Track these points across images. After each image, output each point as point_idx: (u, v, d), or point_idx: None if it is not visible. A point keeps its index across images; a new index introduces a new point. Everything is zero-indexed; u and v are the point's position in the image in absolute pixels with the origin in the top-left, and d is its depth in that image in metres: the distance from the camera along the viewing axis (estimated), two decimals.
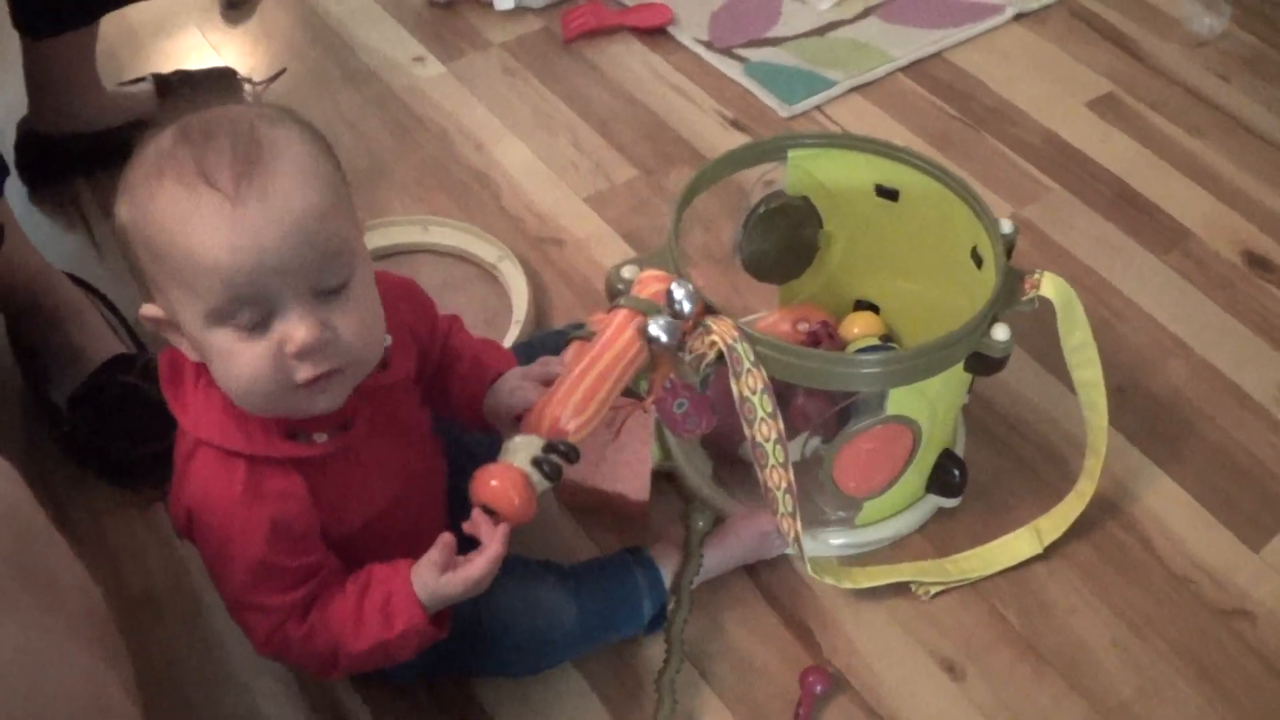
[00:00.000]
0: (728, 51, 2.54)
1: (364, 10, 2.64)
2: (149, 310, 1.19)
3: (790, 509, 1.51)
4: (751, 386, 1.43)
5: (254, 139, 1.11)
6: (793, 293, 1.91)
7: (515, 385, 1.40)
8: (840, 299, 1.88)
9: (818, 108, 2.43)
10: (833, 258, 1.85)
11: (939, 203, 1.66)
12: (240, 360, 1.14)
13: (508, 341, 1.82)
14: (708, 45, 2.56)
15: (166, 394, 1.25)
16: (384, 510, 1.35)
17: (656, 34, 2.59)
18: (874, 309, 1.86)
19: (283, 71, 2.45)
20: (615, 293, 1.49)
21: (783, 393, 1.55)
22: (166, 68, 2.32)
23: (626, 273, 1.50)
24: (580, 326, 1.48)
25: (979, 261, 1.61)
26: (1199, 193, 2.29)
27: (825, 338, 1.77)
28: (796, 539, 1.53)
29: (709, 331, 1.43)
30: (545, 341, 1.75)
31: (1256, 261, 2.16)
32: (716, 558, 1.62)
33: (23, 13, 2.01)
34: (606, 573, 1.56)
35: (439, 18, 2.63)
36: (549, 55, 2.54)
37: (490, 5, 2.62)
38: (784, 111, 2.40)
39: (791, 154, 1.74)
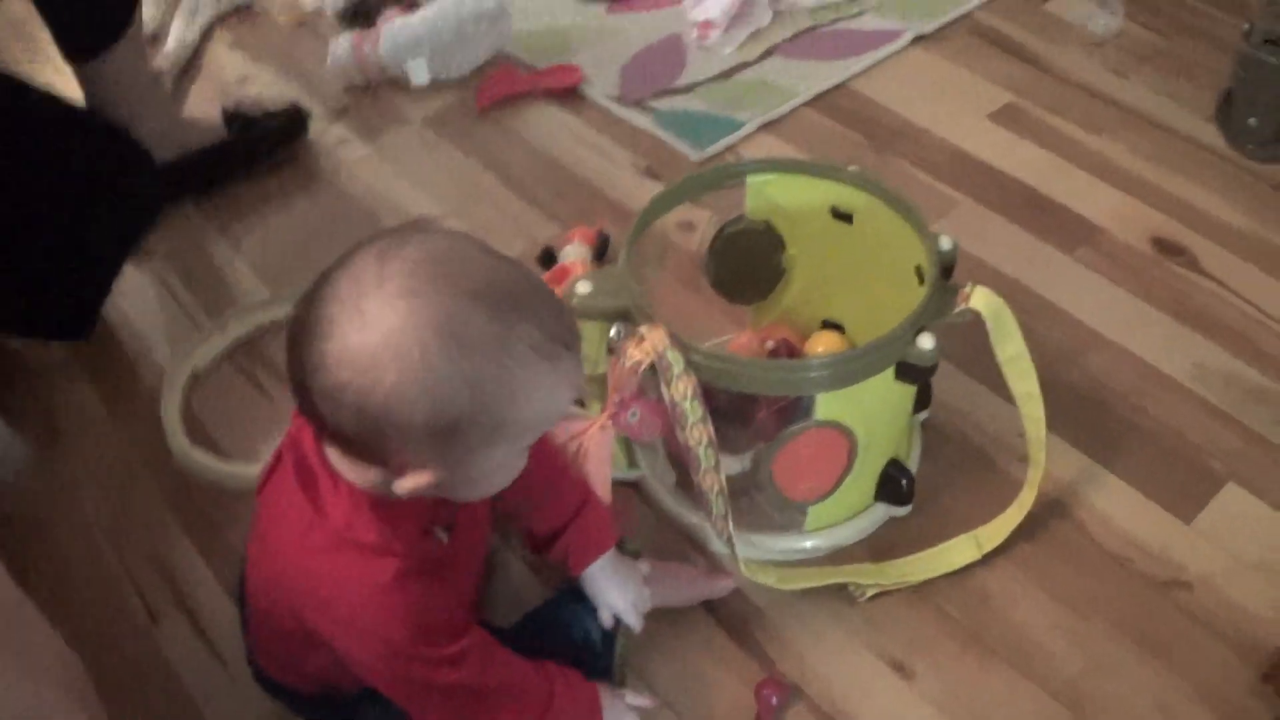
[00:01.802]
0: (638, 104, 2.61)
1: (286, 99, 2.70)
2: (411, 483, 1.22)
3: (723, 511, 1.58)
4: (682, 392, 1.50)
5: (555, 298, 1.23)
6: (763, 314, 1.99)
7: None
8: (808, 319, 1.96)
9: (729, 148, 2.49)
10: (797, 279, 1.93)
11: (887, 223, 1.74)
12: (514, 468, 1.28)
13: None
14: (618, 100, 2.62)
15: (303, 495, 1.29)
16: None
17: (569, 95, 2.66)
18: (840, 329, 1.94)
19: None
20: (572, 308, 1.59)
21: (741, 407, 1.66)
22: None
23: (581, 287, 1.61)
24: None
25: (922, 278, 1.67)
26: (1104, 188, 2.37)
27: (785, 355, 1.85)
28: (729, 541, 1.60)
29: (643, 339, 1.51)
30: None
31: (1166, 247, 2.23)
32: (664, 599, 1.67)
33: (62, 40, 2.09)
34: (554, 618, 1.62)
35: (359, 100, 2.69)
36: (466, 124, 2.60)
37: (407, 83, 2.68)
38: (695, 156, 2.46)
39: (750, 179, 1.83)
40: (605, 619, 1.57)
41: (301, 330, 1.15)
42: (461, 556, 1.41)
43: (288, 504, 1.30)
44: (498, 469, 1.26)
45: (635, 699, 1.54)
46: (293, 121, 2.51)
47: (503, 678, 1.39)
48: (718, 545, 1.71)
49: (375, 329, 1.11)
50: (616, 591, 1.58)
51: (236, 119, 2.44)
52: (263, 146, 2.46)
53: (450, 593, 1.38)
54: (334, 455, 1.26)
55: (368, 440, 1.16)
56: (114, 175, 2.05)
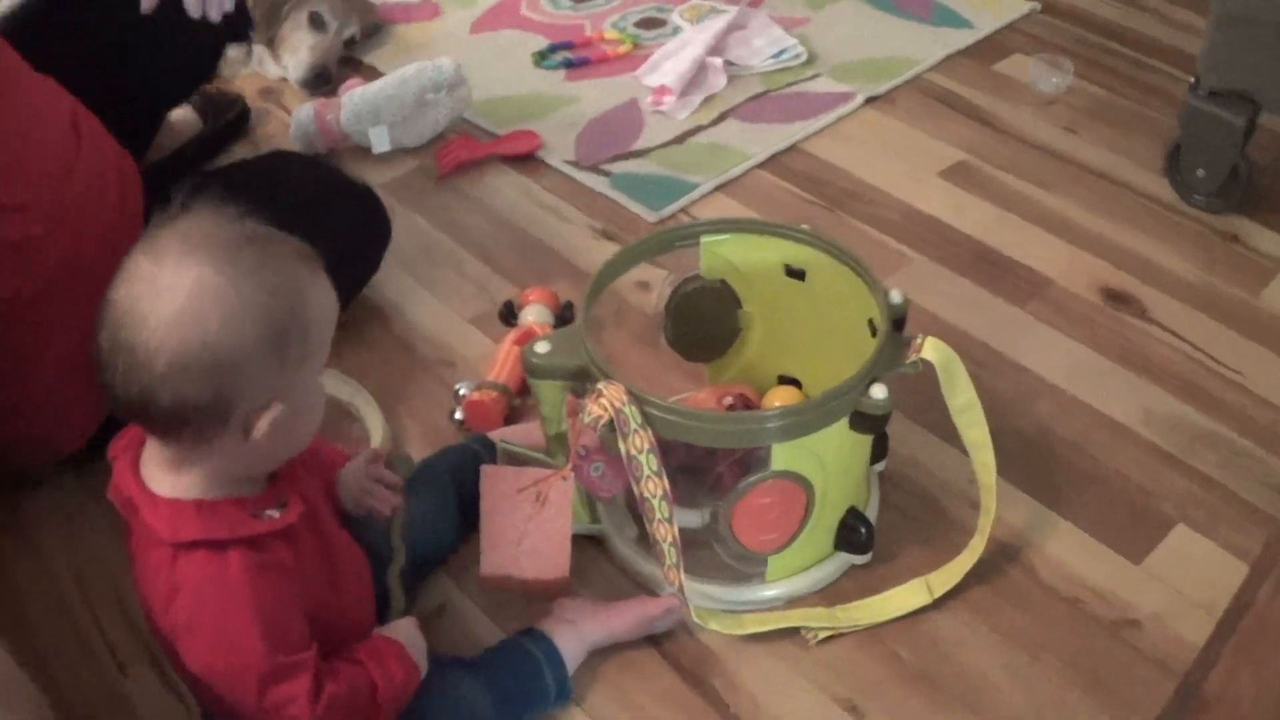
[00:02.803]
0: (594, 168, 2.65)
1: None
2: (265, 423, 1.32)
3: (675, 561, 1.62)
4: (639, 446, 1.55)
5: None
6: (720, 371, 2.03)
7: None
8: (765, 375, 2.00)
9: (683, 209, 2.54)
10: (753, 336, 1.97)
11: (839, 280, 1.79)
12: (322, 398, 1.41)
13: None
14: (575, 164, 2.67)
15: (139, 530, 1.36)
16: (330, 598, 1.47)
17: (527, 160, 2.70)
18: (797, 384, 1.98)
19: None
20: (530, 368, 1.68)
21: (700, 463, 1.69)
22: None
23: (540, 347, 1.67)
24: None
25: (874, 331, 1.72)
26: (1054, 242, 2.42)
27: (743, 410, 1.87)
28: (680, 588, 1.65)
29: (601, 395, 1.55)
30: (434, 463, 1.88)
31: (1114, 296, 2.28)
32: (610, 632, 1.72)
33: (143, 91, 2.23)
34: (508, 657, 1.65)
35: None
36: (427, 190, 2.64)
37: (368, 150, 2.72)
38: (651, 217, 2.50)
39: (704, 239, 1.87)
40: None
41: (111, 351, 1.25)
42: (309, 531, 1.44)
43: (135, 549, 1.39)
44: (316, 393, 1.39)
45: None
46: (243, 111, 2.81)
47: (342, 684, 1.41)
48: (670, 590, 1.73)
49: (177, 292, 1.23)
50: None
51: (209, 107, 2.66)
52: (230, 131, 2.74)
53: (316, 586, 1.43)
54: (153, 473, 1.35)
55: (216, 397, 1.26)
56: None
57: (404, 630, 1.54)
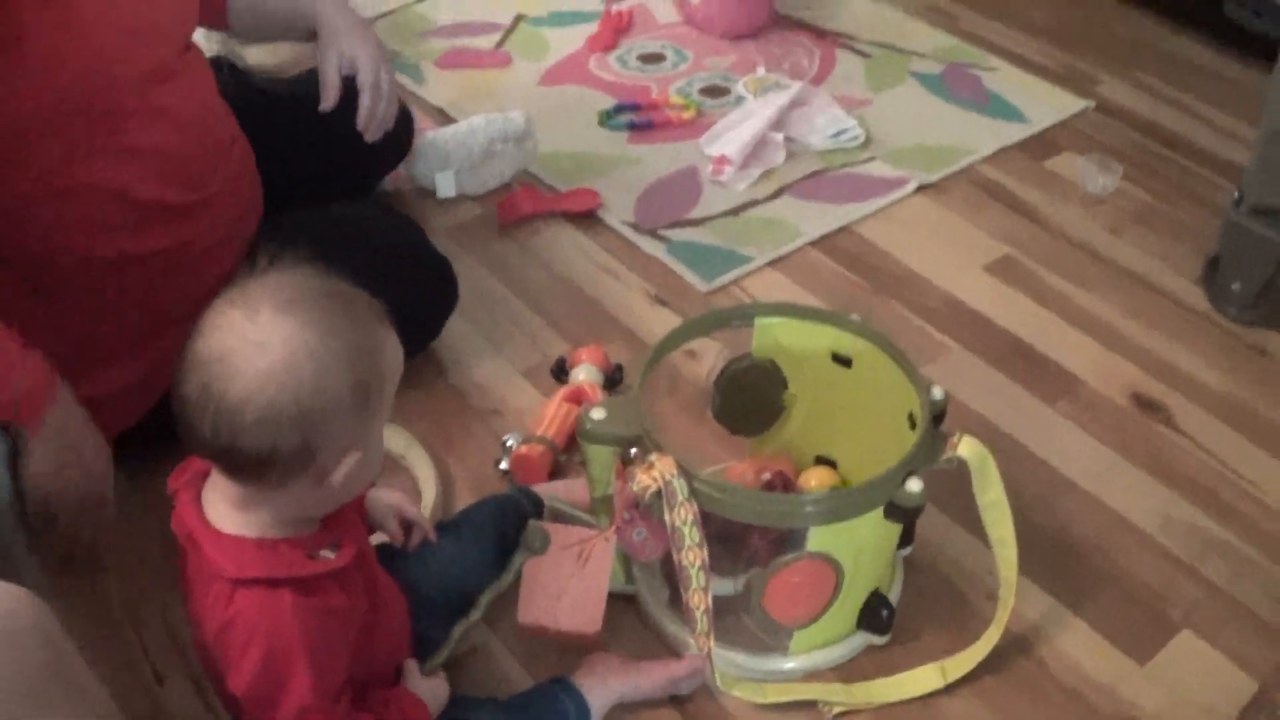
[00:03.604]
0: (652, 233, 2.73)
1: None
2: (344, 469, 1.42)
3: (706, 628, 1.72)
4: (683, 518, 1.65)
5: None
6: (761, 445, 2.11)
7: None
8: (803, 454, 2.08)
9: (735, 282, 2.62)
10: (796, 416, 2.06)
11: (884, 370, 1.88)
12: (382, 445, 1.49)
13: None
14: (634, 227, 2.75)
15: (200, 564, 1.45)
16: (372, 637, 1.57)
17: (586, 218, 2.78)
18: (833, 464, 2.06)
19: None
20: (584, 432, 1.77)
21: (735, 533, 1.78)
22: None
23: (596, 414, 1.76)
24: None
25: (913, 424, 1.80)
26: (1088, 342, 2.49)
27: (780, 486, 1.96)
28: (709, 654, 1.74)
29: (653, 466, 1.64)
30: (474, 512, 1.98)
31: (1144, 403, 2.35)
32: (637, 689, 1.81)
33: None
34: (538, 703, 1.74)
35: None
36: (488, 239, 2.72)
37: (433, 194, 2.80)
38: (704, 287, 2.58)
39: (759, 320, 1.97)
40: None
41: (200, 399, 1.33)
42: (359, 574, 1.53)
43: (194, 580, 1.48)
44: (380, 441, 1.47)
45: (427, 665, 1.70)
46: None
47: None
48: (696, 654, 1.81)
49: (271, 348, 1.31)
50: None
51: None
52: None
53: (360, 627, 1.52)
54: (218, 509, 1.44)
55: (302, 447, 1.35)
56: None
57: (433, 691, 1.65)
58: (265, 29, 2.36)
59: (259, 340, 1.32)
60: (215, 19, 2.30)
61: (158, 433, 1.76)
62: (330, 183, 2.36)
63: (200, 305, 1.38)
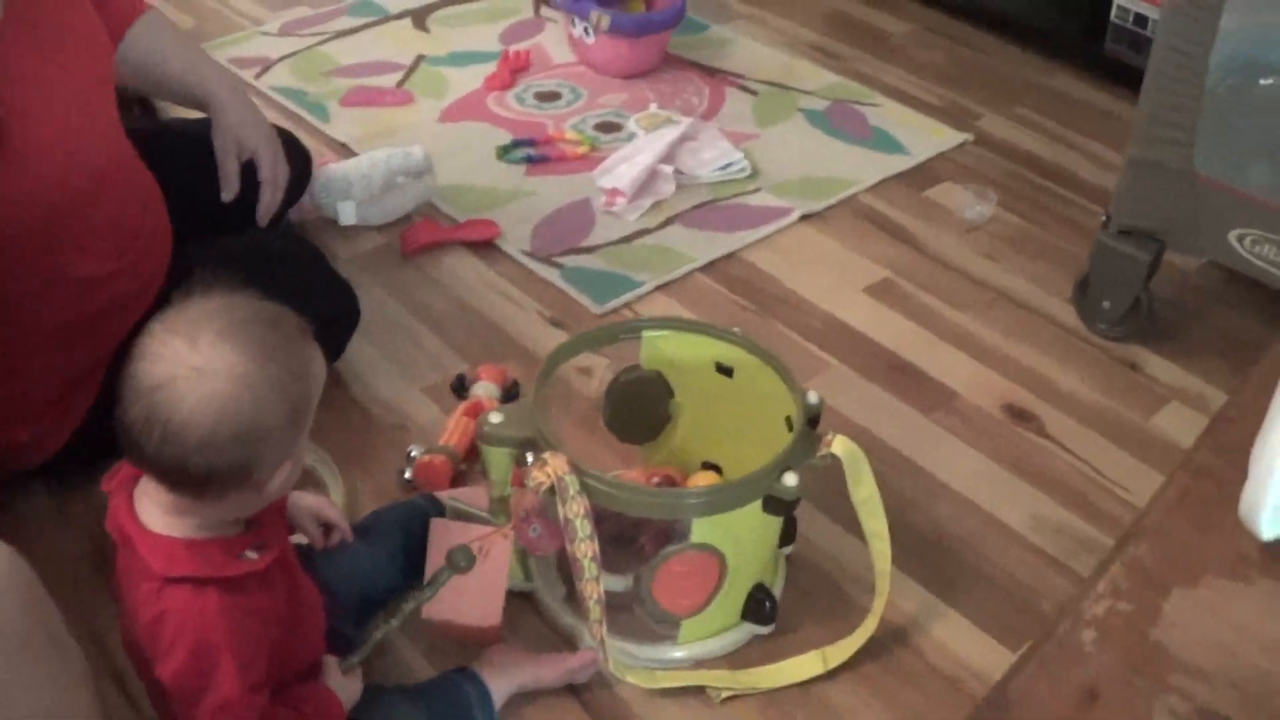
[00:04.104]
0: (547, 260, 2.82)
1: None
2: (279, 480, 1.53)
3: (599, 616, 1.82)
4: (575, 511, 1.75)
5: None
6: (651, 453, 2.22)
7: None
8: (690, 460, 2.19)
9: (626, 305, 2.72)
10: (683, 424, 2.17)
11: (763, 379, 1.99)
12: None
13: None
14: (530, 255, 2.84)
15: (131, 561, 1.53)
16: (291, 633, 1.65)
17: (485, 247, 2.88)
18: (718, 470, 2.17)
19: None
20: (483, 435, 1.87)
21: (626, 533, 1.91)
22: None
23: (494, 418, 1.86)
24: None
25: (791, 427, 1.91)
26: (963, 358, 2.61)
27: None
28: (602, 642, 1.84)
29: (545, 464, 1.75)
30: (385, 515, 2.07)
31: (1016, 413, 2.48)
32: (535, 678, 1.90)
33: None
34: (443, 691, 1.83)
35: None
36: (391, 266, 2.80)
37: (336, 223, 2.88)
38: (596, 309, 2.68)
39: (645, 334, 2.08)
40: None
41: (145, 424, 1.41)
42: (280, 574, 1.62)
43: (124, 576, 1.56)
44: (304, 447, 1.57)
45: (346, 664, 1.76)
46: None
47: None
48: (592, 644, 1.91)
49: (216, 373, 1.41)
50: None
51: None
52: None
53: (281, 624, 1.60)
54: (149, 511, 1.52)
55: (243, 465, 1.45)
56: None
57: (349, 688, 1.73)
58: (152, 91, 2.44)
59: (201, 367, 1.40)
60: None
61: (86, 451, 1.84)
62: (235, 216, 2.40)
63: (111, 353, 1.47)
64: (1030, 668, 1.14)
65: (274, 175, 2.34)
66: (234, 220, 2.37)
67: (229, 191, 2.30)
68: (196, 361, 1.40)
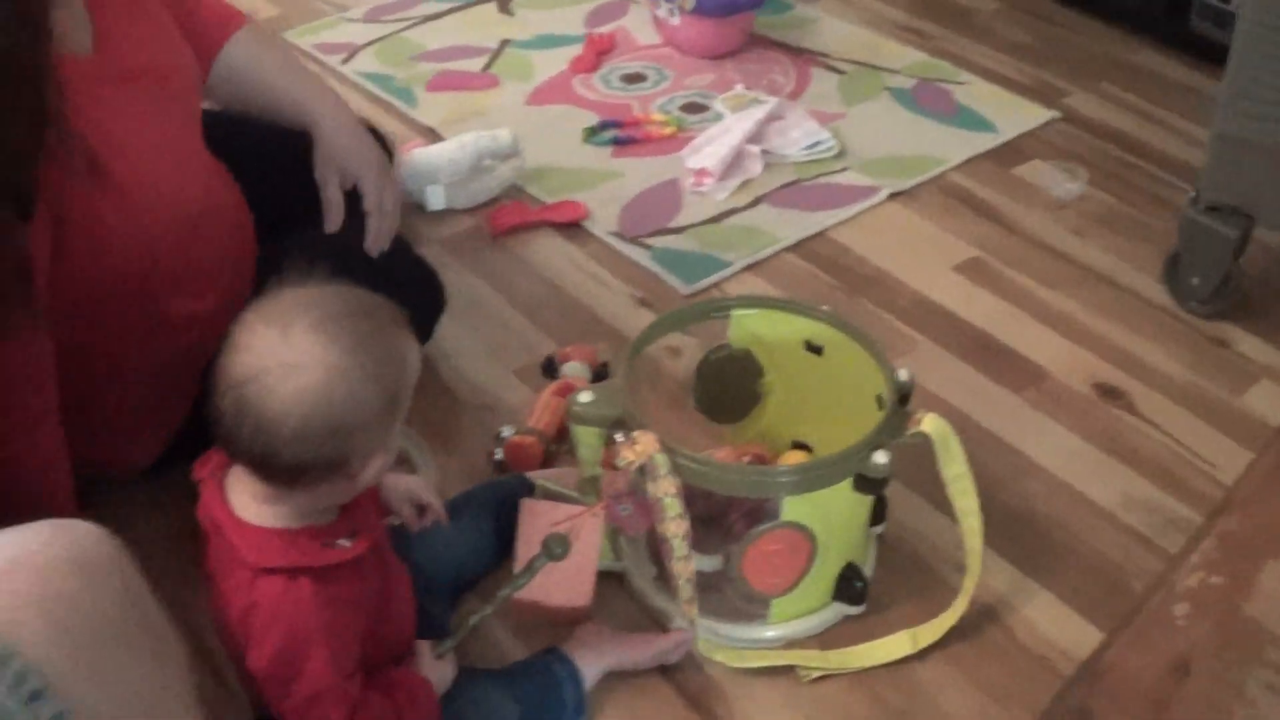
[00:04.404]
0: (636, 240, 2.84)
1: None
2: (372, 470, 1.54)
3: (690, 595, 1.83)
4: (665, 490, 1.75)
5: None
6: (740, 433, 2.22)
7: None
8: (780, 439, 2.19)
9: (715, 285, 2.72)
10: (772, 403, 2.17)
11: (853, 357, 1.99)
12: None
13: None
14: (618, 235, 2.86)
15: (224, 550, 1.55)
16: (382, 620, 1.67)
17: (573, 228, 2.89)
18: (808, 449, 2.17)
19: None
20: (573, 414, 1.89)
21: (717, 513, 1.93)
22: None
23: (583, 397, 1.88)
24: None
25: (882, 406, 1.91)
26: (1053, 336, 2.61)
27: None
28: (692, 621, 1.86)
29: (635, 443, 1.75)
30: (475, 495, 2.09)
31: (1106, 391, 2.47)
32: (625, 658, 1.91)
33: None
34: (533, 672, 1.84)
35: None
36: (479, 249, 2.82)
37: (424, 208, 2.90)
38: (685, 289, 2.69)
39: (735, 312, 2.08)
40: None
41: (236, 415, 1.43)
42: (373, 561, 1.63)
43: (216, 564, 1.58)
44: (398, 435, 1.56)
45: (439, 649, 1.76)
46: None
47: (372, 715, 1.60)
48: (682, 624, 1.92)
49: (305, 367, 1.40)
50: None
51: None
52: None
53: (372, 612, 1.62)
54: (242, 500, 1.53)
55: (335, 457, 1.46)
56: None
57: (441, 672, 1.74)
58: (246, 104, 2.33)
59: (293, 361, 1.41)
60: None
61: (179, 457, 1.86)
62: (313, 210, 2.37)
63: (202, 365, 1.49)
64: (1122, 640, 1.15)
65: (379, 203, 2.25)
66: (300, 210, 2.36)
67: (332, 223, 2.24)
68: (288, 354, 1.41)
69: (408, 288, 2.25)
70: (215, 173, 2.06)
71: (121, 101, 1.84)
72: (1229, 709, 1.05)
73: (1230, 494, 1.25)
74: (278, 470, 1.46)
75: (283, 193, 2.21)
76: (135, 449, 2.09)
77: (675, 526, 1.77)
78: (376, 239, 2.25)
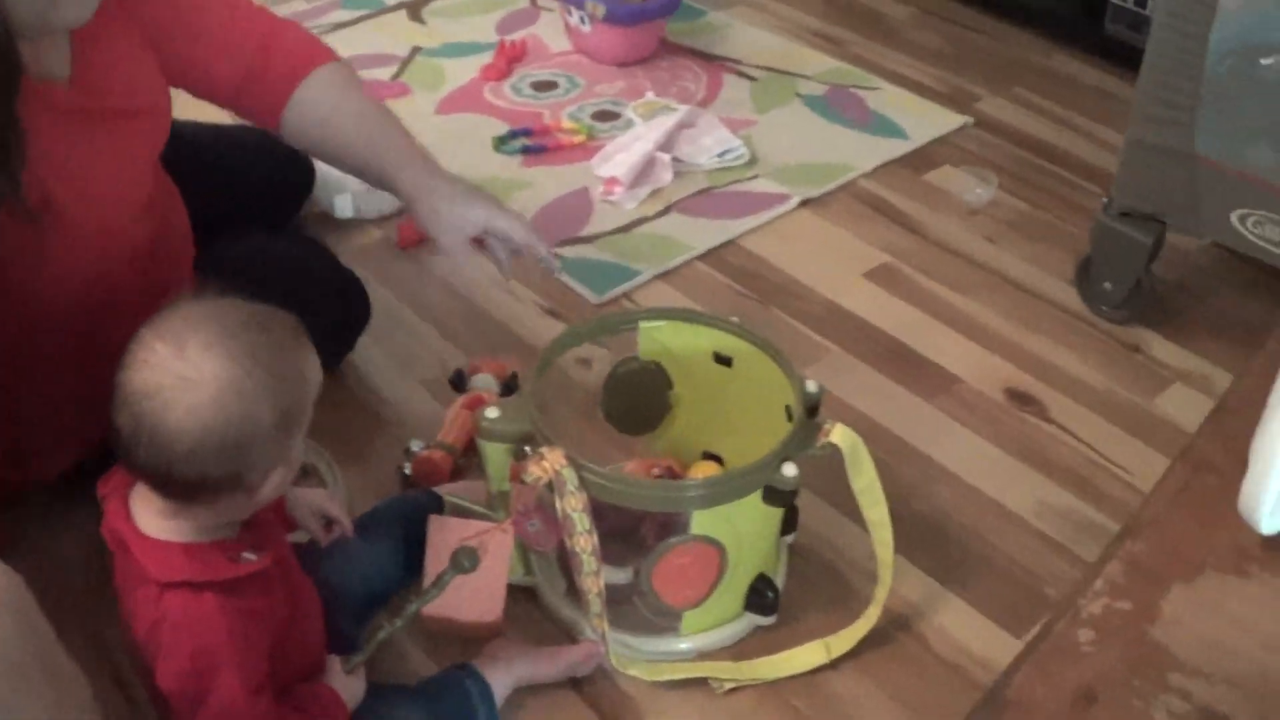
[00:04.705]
0: None
1: None
2: (271, 485, 1.51)
3: (600, 610, 1.81)
4: (574, 505, 1.74)
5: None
6: (650, 444, 2.20)
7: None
8: (690, 451, 2.17)
9: (625, 295, 2.70)
10: (682, 414, 2.16)
11: (762, 367, 1.98)
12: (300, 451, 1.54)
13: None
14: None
15: (129, 566, 1.53)
16: (291, 635, 1.64)
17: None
18: (719, 460, 2.15)
19: None
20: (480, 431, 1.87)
21: (627, 526, 1.90)
22: None
23: (490, 413, 1.86)
24: None
25: (790, 416, 1.90)
26: (965, 343, 2.60)
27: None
28: (604, 636, 1.84)
29: (543, 458, 1.73)
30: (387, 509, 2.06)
31: (1018, 397, 2.46)
32: (536, 672, 1.89)
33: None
34: (444, 688, 1.82)
35: None
36: (388, 260, 2.79)
37: (331, 215, 2.86)
38: (594, 299, 2.67)
39: (643, 324, 2.06)
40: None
41: (133, 431, 1.41)
42: (278, 575, 1.61)
43: (123, 581, 1.56)
44: (299, 449, 1.54)
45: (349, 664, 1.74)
46: None
47: None
48: (593, 636, 1.90)
49: (204, 381, 1.40)
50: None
51: None
52: None
53: (280, 626, 1.59)
54: (144, 516, 1.52)
55: (233, 471, 1.45)
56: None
57: (352, 688, 1.72)
58: (328, 157, 2.22)
59: (188, 376, 1.39)
60: (263, 116, 2.14)
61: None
62: (244, 220, 2.37)
63: None
64: (1027, 669, 1.13)
65: (527, 239, 2.16)
66: (244, 221, 2.35)
67: (505, 274, 2.22)
68: (184, 370, 1.40)
69: (332, 297, 2.24)
70: (171, 208, 2.04)
71: (87, 137, 1.81)
72: None
73: (1137, 515, 1.25)
74: (175, 485, 1.44)
75: (215, 195, 2.20)
76: (49, 461, 2.05)
77: (584, 541, 1.76)
78: (543, 256, 2.18)
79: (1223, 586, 1.20)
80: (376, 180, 2.16)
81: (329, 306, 2.28)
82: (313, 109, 2.11)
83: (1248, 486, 1.23)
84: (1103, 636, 1.14)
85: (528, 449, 1.80)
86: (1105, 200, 2.60)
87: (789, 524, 2.05)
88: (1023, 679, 1.11)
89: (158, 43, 1.94)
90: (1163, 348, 2.61)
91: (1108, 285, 2.65)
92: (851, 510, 1.97)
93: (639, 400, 2.12)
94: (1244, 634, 1.15)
